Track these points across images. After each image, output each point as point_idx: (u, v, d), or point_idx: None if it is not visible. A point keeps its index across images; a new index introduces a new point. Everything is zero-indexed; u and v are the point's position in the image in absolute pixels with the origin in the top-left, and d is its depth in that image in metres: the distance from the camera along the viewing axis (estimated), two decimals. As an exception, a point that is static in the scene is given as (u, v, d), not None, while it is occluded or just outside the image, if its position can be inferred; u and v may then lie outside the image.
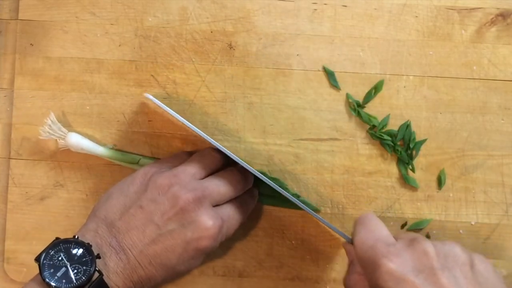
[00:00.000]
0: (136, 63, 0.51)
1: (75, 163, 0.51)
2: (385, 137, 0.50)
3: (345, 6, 0.51)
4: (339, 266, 0.50)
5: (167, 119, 0.51)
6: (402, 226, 0.50)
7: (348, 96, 0.50)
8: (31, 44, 0.51)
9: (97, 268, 0.39)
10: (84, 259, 0.39)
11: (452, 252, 0.36)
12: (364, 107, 0.50)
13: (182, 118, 0.44)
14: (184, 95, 0.51)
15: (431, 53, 0.51)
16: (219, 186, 0.44)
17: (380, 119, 0.50)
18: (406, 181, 0.50)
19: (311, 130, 0.51)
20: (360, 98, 0.51)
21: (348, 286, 0.40)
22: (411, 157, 0.50)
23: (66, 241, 0.40)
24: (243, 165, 0.43)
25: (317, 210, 0.49)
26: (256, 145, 0.51)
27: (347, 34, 0.51)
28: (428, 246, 0.36)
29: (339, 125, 0.50)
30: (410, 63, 0.51)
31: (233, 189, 0.45)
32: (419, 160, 0.50)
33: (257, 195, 0.49)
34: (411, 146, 0.50)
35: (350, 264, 0.41)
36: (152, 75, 0.51)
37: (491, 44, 0.51)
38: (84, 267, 0.39)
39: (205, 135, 0.44)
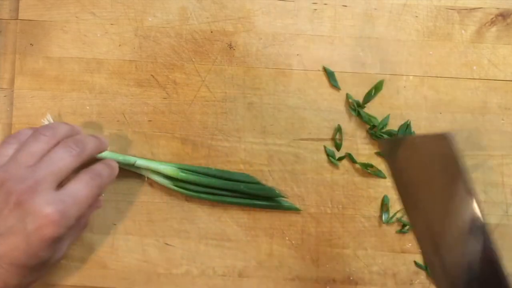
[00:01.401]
0: (136, 63, 0.51)
1: (75, 163, 0.51)
2: (385, 137, 0.50)
3: (345, 6, 0.51)
4: (339, 266, 0.50)
5: (167, 119, 0.51)
6: (403, 227, 0.50)
7: (348, 96, 0.51)
8: (31, 44, 0.51)
9: None
10: None
11: None
12: (364, 107, 0.50)
13: None
14: (184, 95, 0.51)
15: (431, 53, 0.51)
16: (53, 164, 0.41)
17: (380, 119, 0.50)
18: (406, 181, 0.50)
19: (311, 130, 0.51)
20: (360, 98, 0.51)
21: None
22: (411, 157, 0.50)
23: None
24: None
25: None
26: (256, 145, 0.51)
27: (347, 34, 0.51)
28: None
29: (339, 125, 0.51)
30: (410, 63, 0.51)
31: (68, 159, 0.42)
32: (419, 160, 0.50)
33: (116, 166, 0.46)
34: (411, 146, 0.50)
35: None
36: (152, 75, 0.51)
37: (491, 44, 0.51)
38: None
39: None
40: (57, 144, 0.43)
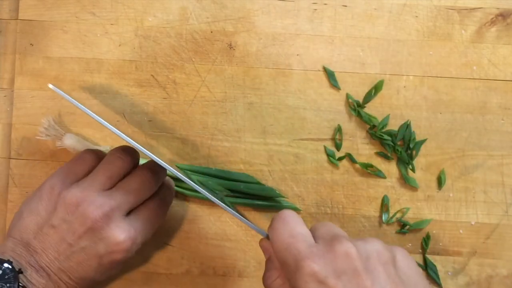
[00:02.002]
0: (136, 63, 0.51)
1: (75, 163, 0.51)
2: (385, 137, 0.50)
3: (345, 6, 0.51)
4: (339, 266, 0.50)
5: (167, 119, 0.51)
6: (403, 226, 0.50)
7: (348, 96, 0.51)
8: (31, 44, 0.51)
9: (21, 284, 0.39)
10: (7, 276, 0.39)
11: (375, 251, 0.35)
12: (364, 107, 0.50)
13: (90, 112, 0.42)
14: (184, 95, 0.51)
15: (431, 53, 0.51)
16: (128, 194, 0.43)
17: (380, 119, 0.50)
18: (406, 181, 0.50)
19: (311, 130, 0.51)
20: (360, 98, 0.51)
21: (266, 283, 0.38)
22: (411, 157, 0.50)
23: None
24: (159, 162, 0.41)
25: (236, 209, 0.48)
26: (256, 145, 0.51)
27: (347, 34, 0.51)
28: (350, 247, 0.34)
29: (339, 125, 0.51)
30: (410, 63, 0.51)
31: (144, 192, 0.44)
32: (419, 160, 0.50)
33: (173, 185, 0.48)
34: (411, 146, 0.50)
35: (268, 261, 0.39)
36: (152, 75, 0.51)
37: (491, 44, 0.51)
38: (8, 284, 0.39)
39: (116, 130, 0.42)
40: (133, 167, 0.45)
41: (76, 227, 0.41)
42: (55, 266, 0.41)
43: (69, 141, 0.49)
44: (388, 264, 0.35)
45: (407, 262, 0.36)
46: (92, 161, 0.45)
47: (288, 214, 0.38)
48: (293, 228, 0.37)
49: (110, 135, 0.51)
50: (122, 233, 0.41)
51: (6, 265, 0.39)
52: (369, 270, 0.34)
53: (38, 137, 0.49)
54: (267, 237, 0.39)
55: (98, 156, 0.45)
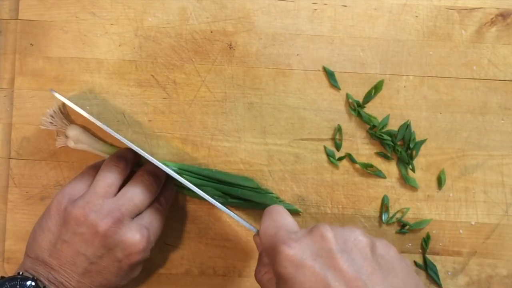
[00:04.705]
0: (136, 63, 0.51)
1: (75, 163, 0.51)
2: (385, 137, 0.50)
3: (345, 6, 0.51)
4: (339, 266, 0.50)
5: (167, 119, 0.51)
6: (403, 226, 0.50)
7: (348, 96, 0.51)
8: (31, 44, 0.51)
9: None
10: None
11: (352, 236, 0.36)
12: (364, 107, 0.50)
13: (90, 116, 0.44)
14: (184, 95, 0.51)
15: (431, 53, 0.51)
16: (134, 199, 0.43)
17: (380, 119, 0.50)
18: (406, 181, 0.50)
19: (311, 130, 0.51)
20: (360, 98, 0.51)
21: (257, 278, 0.40)
22: (411, 157, 0.50)
23: (12, 278, 0.40)
24: (152, 160, 0.43)
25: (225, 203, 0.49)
26: (256, 145, 0.51)
27: (347, 34, 0.51)
28: (327, 230, 0.36)
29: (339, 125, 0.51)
30: (410, 63, 0.51)
31: (148, 195, 0.45)
32: (419, 160, 0.50)
33: (173, 184, 0.49)
34: (411, 146, 0.50)
35: (259, 255, 0.40)
36: (152, 75, 0.51)
37: (491, 44, 0.51)
38: None
39: (110, 130, 0.43)
40: (130, 170, 0.46)
41: (89, 237, 0.41)
42: (74, 279, 0.41)
43: (73, 132, 0.49)
44: (365, 248, 0.36)
45: (387, 250, 0.37)
46: (94, 175, 0.45)
47: (274, 208, 0.40)
48: (277, 219, 0.39)
49: (110, 135, 0.51)
50: (136, 234, 0.42)
51: (29, 282, 0.40)
52: (345, 252, 0.35)
53: (42, 127, 0.49)
54: (258, 232, 0.40)
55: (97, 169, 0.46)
